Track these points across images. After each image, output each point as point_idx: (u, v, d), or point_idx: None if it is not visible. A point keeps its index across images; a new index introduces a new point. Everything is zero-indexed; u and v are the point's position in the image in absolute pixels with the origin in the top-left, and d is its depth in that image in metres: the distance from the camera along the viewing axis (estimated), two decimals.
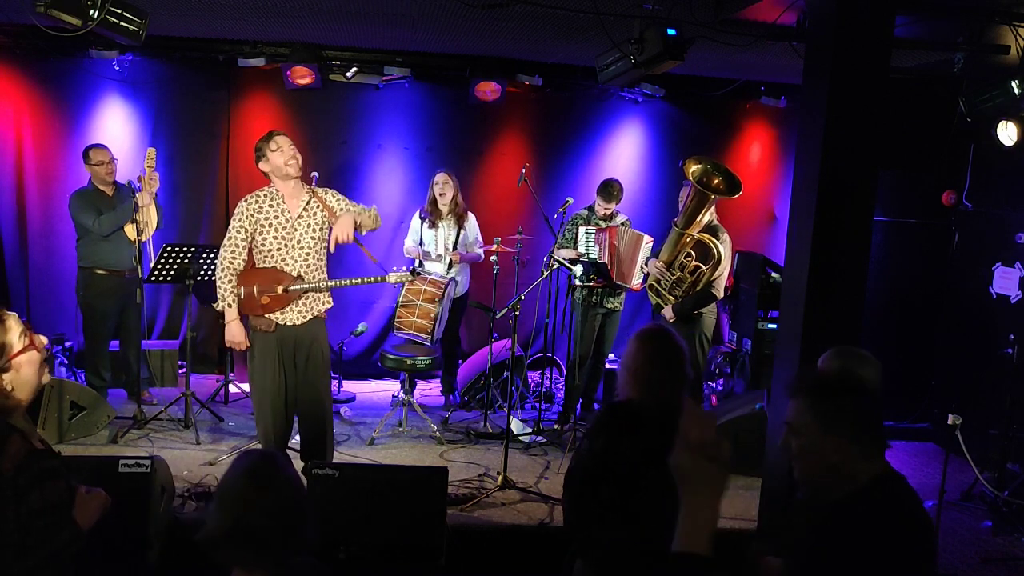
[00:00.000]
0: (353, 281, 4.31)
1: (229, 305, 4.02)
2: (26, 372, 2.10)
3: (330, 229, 4.14)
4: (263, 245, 4.05)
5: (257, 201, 4.07)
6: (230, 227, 4.07)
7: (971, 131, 5.59)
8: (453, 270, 5.84)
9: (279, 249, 4.05)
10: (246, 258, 4.07)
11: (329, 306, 4.24)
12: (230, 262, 4.03)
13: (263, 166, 4.10)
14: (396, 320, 5.25)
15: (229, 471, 1.71)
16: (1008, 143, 5.37)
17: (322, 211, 4.14)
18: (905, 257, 6.18)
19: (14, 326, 2.09)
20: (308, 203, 4.12)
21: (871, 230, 3.38)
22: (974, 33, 4.43)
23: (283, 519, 1.66)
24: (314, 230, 4.12)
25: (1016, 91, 4.83)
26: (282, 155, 4.03)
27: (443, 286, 5.31)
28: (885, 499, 1.91)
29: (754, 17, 4.25)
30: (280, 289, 4.04)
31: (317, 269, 4.14)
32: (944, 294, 6.11)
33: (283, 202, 4.08)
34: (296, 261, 4.07)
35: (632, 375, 2.51)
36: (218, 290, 4.06)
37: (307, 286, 4.06)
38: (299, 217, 4.08)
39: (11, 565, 1.95)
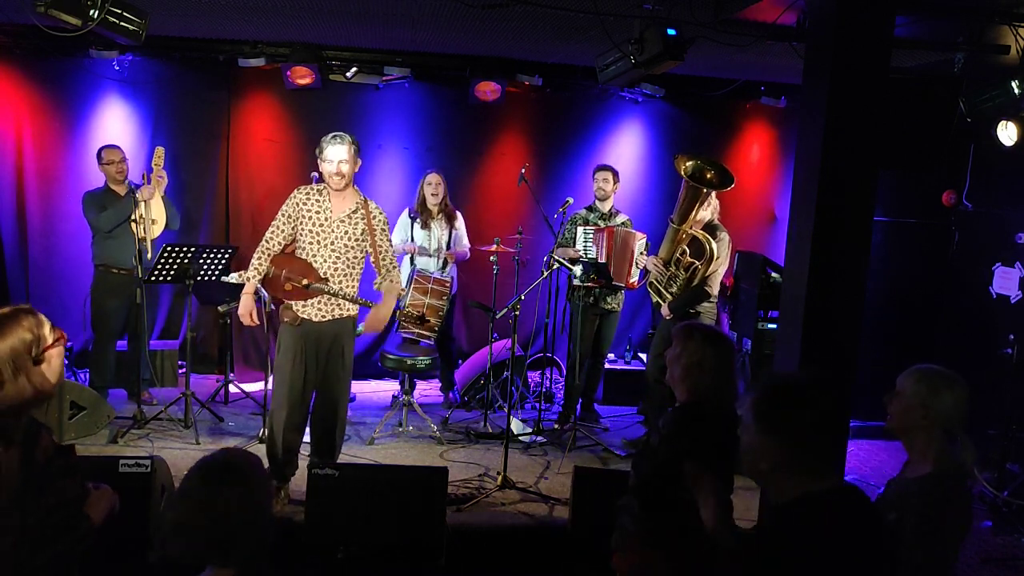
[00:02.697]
0: (369, 303, 4.19)
1: (250, 278, 4.15)
2: (56, 364, 2.14)
3: (368, 254, 4.28)
4: (301, 238, 4.17)
5: (307, 194, 4.19)
6: (279, 212, 4.20)
7: (971, 131, 5.59)
8: (447, 269, 5.85)
9: (311, 244, 4.13)
10: (281, 243, 4.18)
11: (354, 313, 4.26)
12: (267, 241, 4.17)
13: (320, 166, 4.23)
14: (403, 320, 5.27)
15: (190, 472, 1.78)
16: (1008, 143, 5.37)
17: (364, 224, 4.19)
18: (905, 257, 6.18)
19: (44, 320, 2.14)
20: (354, 211, 4.18)
21: (871, 230, 3.38)
22: (974, 33, 4.43)
23: (243, 517, 1.72)
24: (350, 237, 4.16)
25: (1016, 91, 4.83)
26: (327, 167, 4.14)
27: (448, 284, 5.37)
28: (806, 520, 1.83)
29: (754, 17, 4.24)
30: (303, 282, 4.11)
31: (346, 275, 4.17)
32: (944, 294, 6.11)
33: (328, 201, 4.16)
34: (326, 261, 4.13)
35: (706, 376, 2.51)
36: (250, 264, 4.20)
37: (328, 289, 4.11)
38: (340, 221, 4.15)
39: (28, 558, 2.00)
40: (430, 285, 5.28)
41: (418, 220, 5.83)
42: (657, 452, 2.51)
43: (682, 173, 5.17)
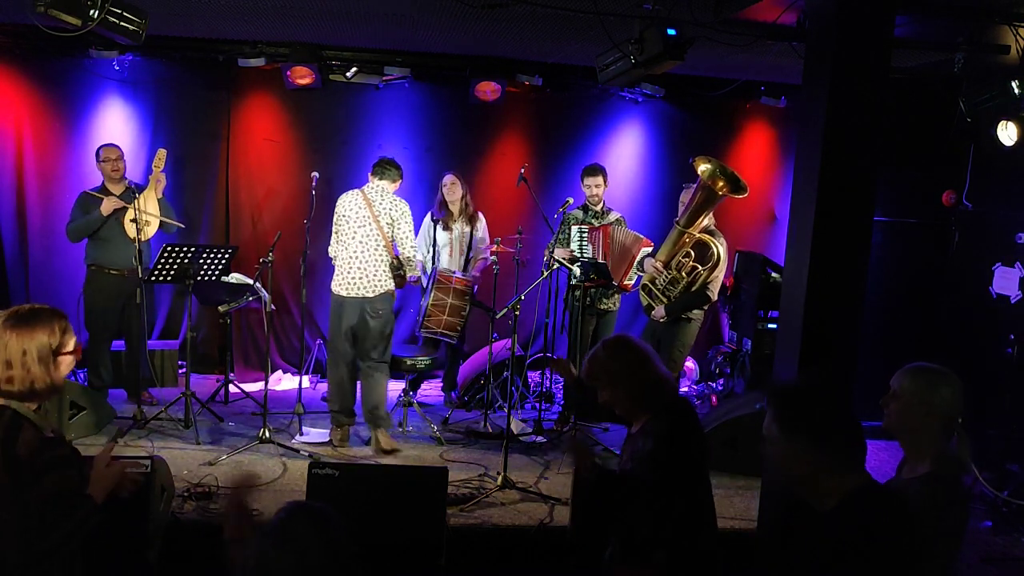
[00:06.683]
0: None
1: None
2: (63, 370, 2.32)
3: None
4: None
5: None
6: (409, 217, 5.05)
7: (971, 131, 5.58)
8: (470, 269, 5.91)
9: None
10: None
11: None
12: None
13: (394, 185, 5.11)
14: (425, 319, 5.31)
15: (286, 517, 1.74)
16: (1008, 143, 5.36)
17: None
18: (905, 257, 6.18)
19: (70, 328, 2.37)
20: None
21: (871, 230, 3.38)
22: (974, 33, 4.42)
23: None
24: None
25: (1016, 91, 4.82)
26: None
27: (470, 284, 5.44)
28: (857, 517, 1.86)
29: (754, 17, 4.24)
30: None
31: None
32: (944, 294, 6.11)
33: None
34: None
35: (640, 380, 2.50)
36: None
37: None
38: None
39: (31, 546, 2.08)
40: (452, 285, 5.33)
41: (439, 222, 5.92)
42: (642, 463, 2.45)
43: (700, 175, 5.16)
